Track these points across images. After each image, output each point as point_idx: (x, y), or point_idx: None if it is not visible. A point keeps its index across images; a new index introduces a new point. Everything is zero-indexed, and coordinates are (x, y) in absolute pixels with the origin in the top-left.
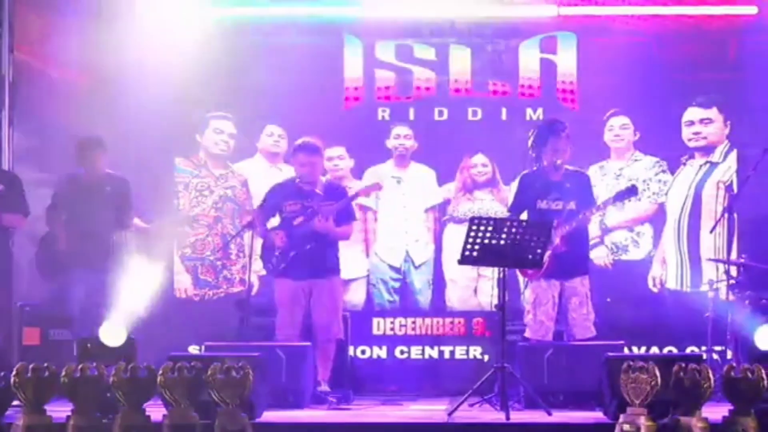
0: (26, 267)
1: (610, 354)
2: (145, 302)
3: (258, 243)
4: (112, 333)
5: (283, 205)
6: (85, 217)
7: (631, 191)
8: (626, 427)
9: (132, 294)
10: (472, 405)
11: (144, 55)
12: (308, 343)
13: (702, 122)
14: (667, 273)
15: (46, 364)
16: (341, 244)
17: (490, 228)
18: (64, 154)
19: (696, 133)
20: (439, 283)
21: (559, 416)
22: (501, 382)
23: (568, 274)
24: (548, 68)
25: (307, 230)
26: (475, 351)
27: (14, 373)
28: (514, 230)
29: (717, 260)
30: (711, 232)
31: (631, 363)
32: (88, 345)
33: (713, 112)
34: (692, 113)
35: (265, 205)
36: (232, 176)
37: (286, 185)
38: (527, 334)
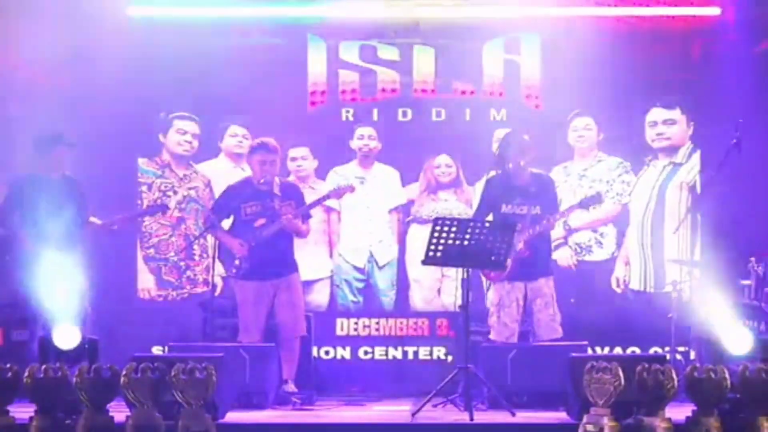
0: None
1: (574, 354)
2: (94, 301)
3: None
4: (66, 335)
5: (240, 206)
6: (43, 216)
7: (595, 198)
8: (590, 427)
9: (83, 293)
10: (435, 405)
11: (108, 55)
12: (272, 344)
13: (665, 123)
14: (631, 273)
15: (8, 365)
16: (306, 246)
17: (453, 229)
18: (27, 154)
19: (659, 134)
20: (402, 283)
21: (523, 417)
22: (465, 382)
23: (531, 276)
24: (512, 69)
25: (268, 232)
26: (439, 351)
27: None
28: (477, 231)
29: (679, 261)
30: (674, 232)
31: (595, 363)
32: (50, 346)
33: (677, 113)
34: (656, 114)
35: (219, 206)
36: (195, 177)
37: (241, 187)
38: (492, 336)
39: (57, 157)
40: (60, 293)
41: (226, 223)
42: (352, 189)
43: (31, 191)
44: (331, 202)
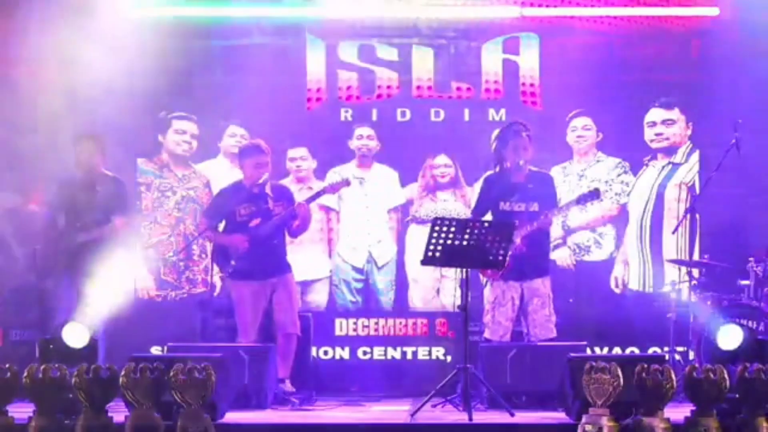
0: None
1: (573, 354)
2: (112, 304)
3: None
4: (76, 334)
5: (234, 209)
6: (79, 219)
7: (593, 194)
8: (588, 427)
9: (99, 296)
10: (434, 406)
11: (105, 54)
12: (271, 344)
13: (664, 123)
14: (630, 274)
15: (7, 365)
16: (305, 246)
17: (452, 229)
18: (25, 154)
19: (658, 134)
20: (401, 283)
21: (522, 417)
22: (464, 382)
23: (528, 275)
24: (511, 69)
25: (264, 231)
26: (438, 352)
27: None
28: (476, 231)
29: (678, 261)
30: (673, 232)
31: (594, 363)
32: (50, 346)
33: (675, 113)
34: (654, 114)
35: (212, 210)
36: (194, 177)
37: (234, 189)
38: (486, 334)
39: (82, 155)
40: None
41: (220, 227)
42: (347, 183)
43: (72, 191)
44: (330, 203)
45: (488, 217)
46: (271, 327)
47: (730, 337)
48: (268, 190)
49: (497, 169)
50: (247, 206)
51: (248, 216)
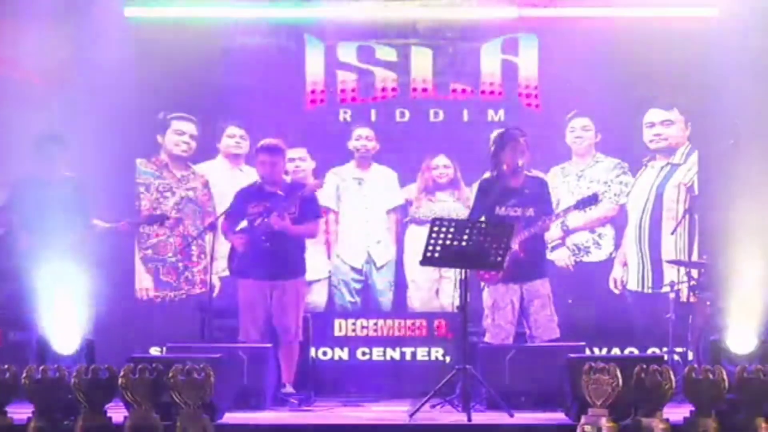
0: None
1: (572, 355)
2: (102, 305)
3: (218, 245)
4: (67, 339)
5: (247, 208)
6: (44, 218)
7: (592, 199)
8: (587, 428)
9: (88, 297)
10: (433, 406)
11: (104, 55)
12: (270, 345)
13: (663, 124)
14: (629, 274)
15: (6, 366)
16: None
17: (451, 229)
18: (24, 156)
19: (657, 135)
20: (400, 284)
21: (521, 417)
22: (463, 383)
23: (526, 278)
24: (510, 70)
25: (266, 230)
26: (437, 352)
27: None
28: (475, 232)
29: (677, 262)
30: (672, 233)
31: (593, 364)
32: (48, 347)
33: (674, 114)
34: (653, 115)
35: (232, 210)
36: (193, 177)
37: (249, 189)
38: (487, 338)
39: (50, 158)
40: (61, 296)
41: (241, 226)
42: (320, 185)
43: (30, 193)
44: (329, 203)
45: (482, 220)
46: (272, 328)
47: (743, 341)
48: (280, 189)
49: (494, 173)
50: (256, 205)
51: (255, 215)
